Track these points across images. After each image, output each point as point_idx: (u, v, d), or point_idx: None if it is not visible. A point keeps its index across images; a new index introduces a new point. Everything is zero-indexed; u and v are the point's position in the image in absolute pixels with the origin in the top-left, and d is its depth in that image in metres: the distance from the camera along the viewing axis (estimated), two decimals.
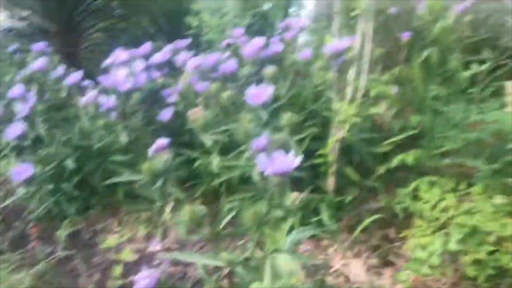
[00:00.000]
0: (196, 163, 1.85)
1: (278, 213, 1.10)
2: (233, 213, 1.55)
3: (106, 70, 2.21)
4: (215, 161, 1.68)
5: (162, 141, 1.21)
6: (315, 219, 1.54)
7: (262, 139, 1.21)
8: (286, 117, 1.42)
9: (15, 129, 1.85)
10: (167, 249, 1.72)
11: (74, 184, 2.05)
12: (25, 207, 2.10)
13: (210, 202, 1.79)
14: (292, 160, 0.97)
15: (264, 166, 0.99)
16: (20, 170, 1.63)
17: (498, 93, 1.58)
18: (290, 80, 1.90)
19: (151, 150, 1.21)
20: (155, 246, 1.70)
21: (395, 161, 1.45)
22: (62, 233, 1.86)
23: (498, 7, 1.95)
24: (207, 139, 1.67)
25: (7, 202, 2.12)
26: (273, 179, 1.00)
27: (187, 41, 2.32)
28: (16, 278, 1.26)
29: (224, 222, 1.51)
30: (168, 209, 1.53)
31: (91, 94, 1.75)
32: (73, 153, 2.08)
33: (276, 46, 2.04)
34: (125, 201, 2.05)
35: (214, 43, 2.88)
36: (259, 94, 1.53)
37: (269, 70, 1.77)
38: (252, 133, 1.36)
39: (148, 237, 1.85)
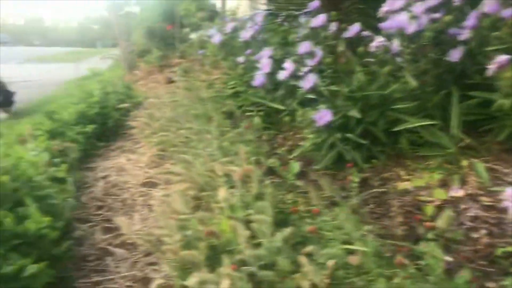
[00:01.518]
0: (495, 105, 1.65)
1: None
2: None
3: (381, 20, 2.16)
4: None
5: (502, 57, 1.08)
6: None
7: None
8: None
9: (308, 82, 1.98)
10: (471, 195, 1.58)
11: (358, 133, 2.09)
12: (312, 156, 2.27)
13: None
14: None
15: None
16: (321, 115, 1.73)
17: None
18: None
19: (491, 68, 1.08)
20: (456, 191, 1.59)
21: None
22: (354, 178, 1.92)
23: None
24: None
25: (298, 151, 2.34)
26: None
27: None
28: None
29: None
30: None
31: (378, 40, 1.73)
32: (356, 104, 2.12)
33: None
34: (410, 149, 1.99)
35: None
36: None
37: None
38: None
39: (443, 184, 1.74)
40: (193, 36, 7.50)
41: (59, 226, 1.65)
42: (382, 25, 2.01)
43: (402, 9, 2.11)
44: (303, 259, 0.99)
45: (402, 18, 1.96)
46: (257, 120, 2.64)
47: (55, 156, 2.22)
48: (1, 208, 1.67)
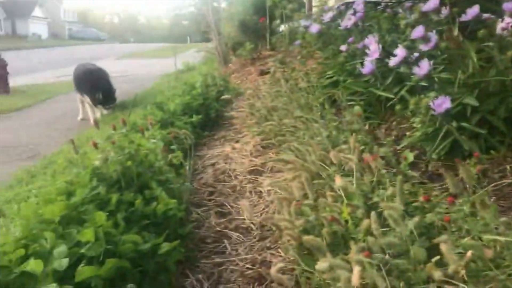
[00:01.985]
0: None
1: None
2: None
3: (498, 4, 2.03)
4: None
5: None
6: None
7: None
8: None
9: (421, 68, 1.91)
10: None
11: (474, 122, 1.98)
12: (422, 146, 2.19)
13: None
14: None
15: None
16: (439, 102, 1.67)
17: None
18: None
19: None
20: None
21: None
22: (472, 169, 1.83)
23: None
24: None
25: (406, 141, 2.27)
26: None
27: None
28: None
29: None
30: None
31: (507, 20, 1.62)
32: (472, 91, 2.01)
33: None
34: None
35: None
36: None
37: None
38: None
39: None
40: (282, 27, 7.53)
41: (182, 208, 1.76)
42: (506, 6, 1.88)
43: None
44: (443, 247, 0.96)
45: None
46: (358, 109, 2.60)
47: (170, 144, 2.37)
48: (128, 191, 1.81)
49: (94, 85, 5.22)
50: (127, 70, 11.56)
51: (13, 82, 8.67)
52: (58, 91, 8.54)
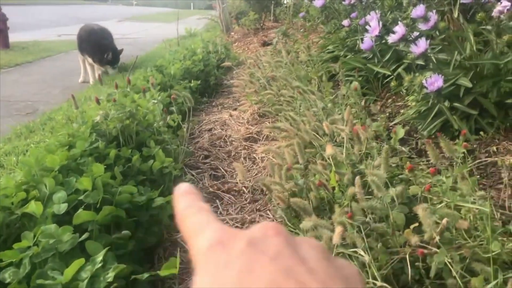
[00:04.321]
0: None
1: None
2: None
3: None
4: None
5: None
6: None
7: None
8: None
9: (418, 47, 1.95)
10: None
11: (467, 103, 2.04)
12: (414, 124, 2.25)
13: None
14: None
15: None
16: (432, 81, 1.72)
17: None
18: None
19: None
20: None
21: None
22: (459, 147, 1.89)
23: None
24: None
25: (399, 118, 2.33)
26: None
27: None
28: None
29: None
30: None
31: (504, 3, 1.65)
32: (467, 73, 2.05)
33: None
34: None
35: None
36: None
37: None
38: None
39: None
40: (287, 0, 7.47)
41: (178, 166, 1.83)
42: None
43: None
44: (420, 212, 1.03)
45: None
46: (355, 84, 2.65)
47: (170, 105, 2.41)
48: (126, 148, 1.87)
49: (97, 45, 5.20)
50: (129, 33, 11.45)
51: (13, 37, 8.59)
52: (59, 49, 8.48)
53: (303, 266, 0.24)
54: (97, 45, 5.15)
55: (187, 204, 0.31)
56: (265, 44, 5.56)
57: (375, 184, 1.14)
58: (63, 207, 1.24)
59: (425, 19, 2.08)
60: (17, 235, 1.22)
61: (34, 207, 1.21)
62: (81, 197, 1.31)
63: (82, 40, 5.40)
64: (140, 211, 1.48)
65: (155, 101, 2.19)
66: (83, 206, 1.29)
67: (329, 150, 1.60)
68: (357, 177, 1.24)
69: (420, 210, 1.02)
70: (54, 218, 1.25)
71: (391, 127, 2.33)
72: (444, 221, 1.10)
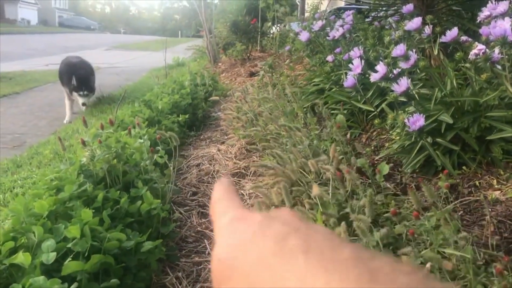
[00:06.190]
0: None
1: None
2: None
3: (478, 24, 2.14)
4: None
5: None
6: None
7: None
8: None
9: (400, 85, 2.01)
10: None
11: (449, 139, 2.09)
12: (399, 159, 2.30)
13: None
14: None
15: None
16: (414, 120, 1.77)
17: None
18: None
19: None
20: None
21: None
22: (441, 184, 1.94)
23: None
24: None
25: (384, 152, 2.38)
26: None
27: None
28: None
29: None
30: None
31: (478, 47, 1.72)
32: (448, 109, 2.12)
33: None
34: (503, 158, 1.96)
35: None
36: None
37: None
38: None
39: None
40: (274, 30, 7.62)
41: (165, 208, 1.83)
42: (482, 31, 1.98)
43: (504, 15, 2.07)
44: (404, 258, 1.05)
45: (505, 25, 1.93)
46: (340, 118, 2.70)
47: (156, 144, 2.43)
48: (114, 189, 1.88)
49: (71, 73, 5.10)
50: (117, 62, 11.53)
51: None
52: (46, 79, 8.49)
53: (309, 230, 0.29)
54: (70, 73, 5.12)
55: (221, 194, 0.37)
56: (252, 74, 5.65)
57: (360, 229, 1.17)
58: (51, 256, 1.24)
59: (406, 57, 2.16)
60: (5, 285, 1.22)
61: (22, 258, 1.21)
62: (70, 245, 1.31)
63: (60, 70, 5.43)
64: (128, 256, 1.48)
65: (141, 140, 2.21)
66: (72, 255, 1.29)
67: (316, 190, 1.63)
68: (343, 223, 1.26)
69: (404, 256, 1.05)
70: (42, 266, 1.25)
71: (376, 161, 2.37)
72: (428, 265, 1.13)
